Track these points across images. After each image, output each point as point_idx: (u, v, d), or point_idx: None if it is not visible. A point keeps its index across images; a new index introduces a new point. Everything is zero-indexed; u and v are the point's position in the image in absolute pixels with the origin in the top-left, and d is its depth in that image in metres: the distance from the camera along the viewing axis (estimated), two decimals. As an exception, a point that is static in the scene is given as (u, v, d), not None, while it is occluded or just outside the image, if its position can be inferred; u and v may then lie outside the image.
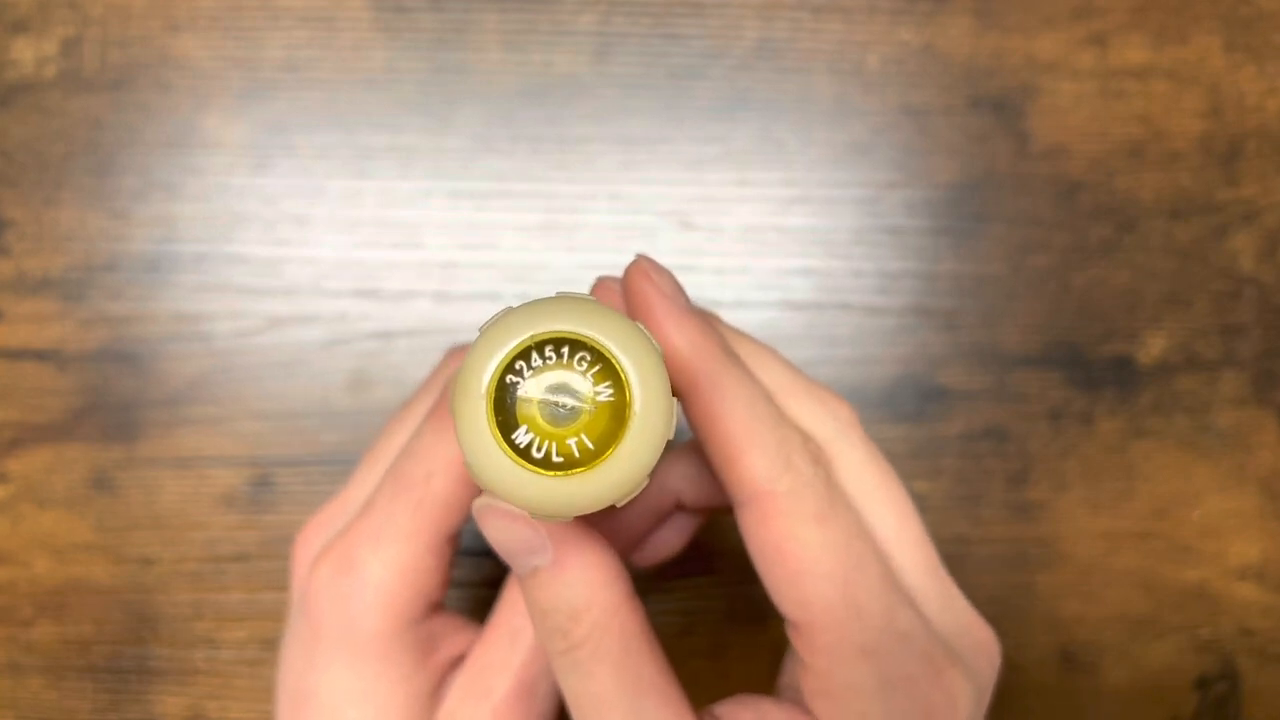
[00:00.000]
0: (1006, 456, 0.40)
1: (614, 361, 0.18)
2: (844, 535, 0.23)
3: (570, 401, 0.18)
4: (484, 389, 0.18)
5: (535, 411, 0.18)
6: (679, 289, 0.25)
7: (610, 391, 0.18)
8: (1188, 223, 0.40)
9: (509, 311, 0.19)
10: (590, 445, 0.18)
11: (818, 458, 0.23)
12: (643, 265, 0.24)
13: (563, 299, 0.19)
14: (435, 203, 0.39)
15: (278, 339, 0.39)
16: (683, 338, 0.23)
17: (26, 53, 0.39)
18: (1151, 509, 0.40)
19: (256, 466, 0.38)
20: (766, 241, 0.40)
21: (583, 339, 0.18)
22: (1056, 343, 0.40)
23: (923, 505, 0.39)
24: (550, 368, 0.18)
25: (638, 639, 0.23)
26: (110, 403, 0.38)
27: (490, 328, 0.19)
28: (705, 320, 0.24)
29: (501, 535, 0.22)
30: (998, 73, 0.40)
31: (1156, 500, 0.40)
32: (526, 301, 0.19)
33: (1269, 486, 0.40)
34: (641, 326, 0.19)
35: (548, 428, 0.18)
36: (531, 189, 0.39)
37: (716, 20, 0.40)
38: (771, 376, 0.25)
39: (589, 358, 0.18)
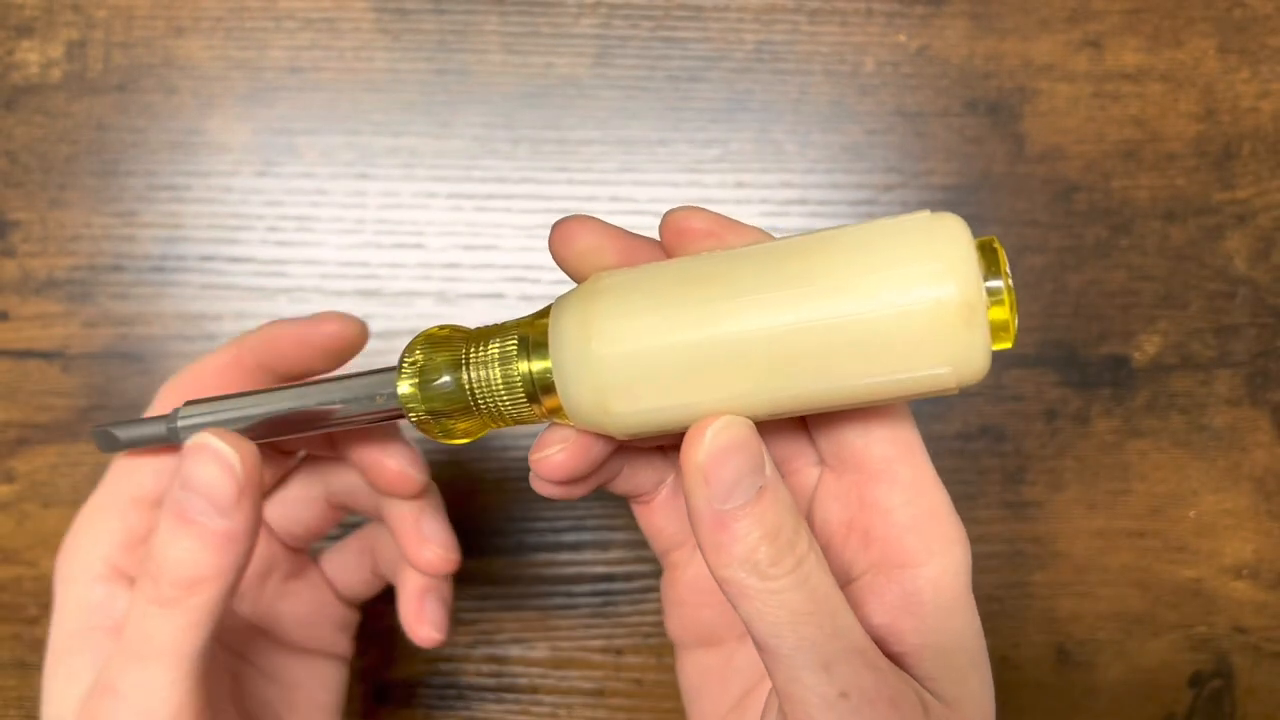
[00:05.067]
0: (1003, 456, 0.40)
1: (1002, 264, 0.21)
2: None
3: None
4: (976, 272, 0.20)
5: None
6: None
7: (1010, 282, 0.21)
8: (1183, 224, 0.41)
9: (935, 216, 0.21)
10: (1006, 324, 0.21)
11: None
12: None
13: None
14: (437, 204, 0.40)
15: (281, 339, 0.39)
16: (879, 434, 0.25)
17: (32, 55, 0.39)
18: (1147, 508, 0.40)
19: (260, 465, 0.39)
20: (765, 243, 0.40)
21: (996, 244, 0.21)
22: (1052, 343, 0.40)
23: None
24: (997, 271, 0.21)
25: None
26: (115, 403, 0.39)
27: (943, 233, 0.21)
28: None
29: (742, 450, 0.22)
30: (994, 75, 0.40)
31: (1152, 499, 0.40)
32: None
33: (1263, 485, 0.40)
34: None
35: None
36: (532, 190, 0.40)
37: (715, 24, 0.40)
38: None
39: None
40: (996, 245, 0.21)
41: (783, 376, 0.21)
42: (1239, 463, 0.40)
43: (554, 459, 0.24)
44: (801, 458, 0.27)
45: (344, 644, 0.34)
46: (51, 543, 0.38)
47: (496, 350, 0.23)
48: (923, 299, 0.20)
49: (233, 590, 0.24)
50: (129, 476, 0.27)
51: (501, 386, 0.23)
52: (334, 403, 0.25)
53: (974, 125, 0.40)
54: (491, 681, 0.39)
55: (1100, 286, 0.40)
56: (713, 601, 0.29)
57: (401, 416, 0.25)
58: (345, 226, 0.39)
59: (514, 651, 0.39)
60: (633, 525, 0.40)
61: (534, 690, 0.39)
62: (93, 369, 0.39)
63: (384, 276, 0.39)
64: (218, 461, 0.24)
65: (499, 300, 0.39)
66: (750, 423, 0.22)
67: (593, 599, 0.40)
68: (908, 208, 0.40)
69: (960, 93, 0.40)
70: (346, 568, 0.33)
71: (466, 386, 0.23)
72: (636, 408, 0.22)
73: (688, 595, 0.29)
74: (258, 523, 0.25)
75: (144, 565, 0.24)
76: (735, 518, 0.22)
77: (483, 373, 0.23)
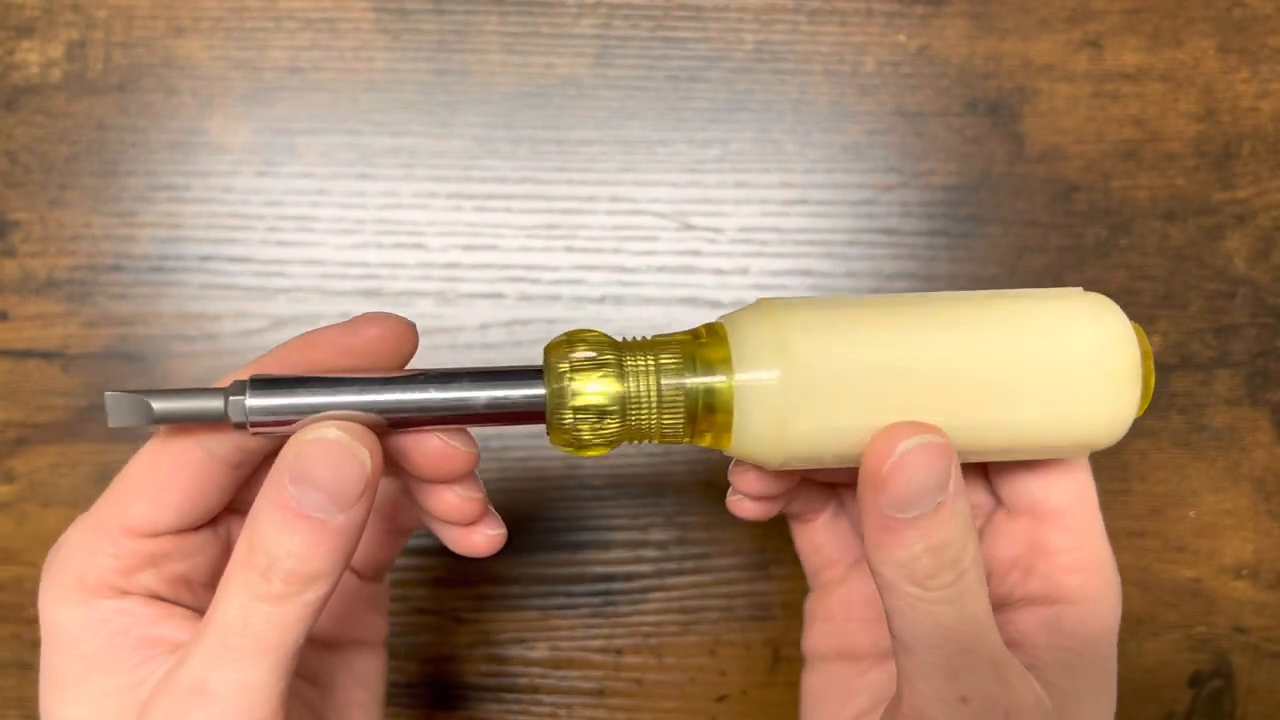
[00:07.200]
0: (1003, 456, 0.40)
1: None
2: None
3: None
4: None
5: None
6: None
7: None
8: (1183, 224, 0.41)
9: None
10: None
11: None
12: None
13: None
14: (437, 204, 0.40)
15: (282, 339, 0.39)
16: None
17: (32, 55, 0.39)
18: (1147, 508, 0.40)
19: (260, 465, 0.39)
20: (764, 243, 0.40)
21: None
22: (1052, 343, 0.40)
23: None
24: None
25: None
26: (115, 402, 0.39)
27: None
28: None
29: (929, 471, 0.22)
30: (994, 75, 0.40)
31: (1151, 499, 0.40)
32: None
33: (1263, 485, 0.40)
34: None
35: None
36: (532, 190, 0.40)
37: (715, 24, 0.40)
38: None
39: None
40: (1149, 351, 0.24)
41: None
42: (1239, 463, 0.40)
43: (748, 473, 0.26)
44: (974, 495, 0.28)
45: (376, 625, 0.31)
46: (52, 543, 0.38)
47: (656, 363, 0.23)
48: (1104, 424, 0.24)
49: (337, 586, 0.23)
50: (120, 505, 0.25)
51: (661, 400, 0.23)
52: (460, 400, 0.23)
53: (974, 125, 0.40)
54: (491, 681, 0.39)
55: (1100, 286, 0.40)
56: (865, 617, 0.30)
57: (534, 421, 0.23)
58: (345, 226, 0.39)
59: (514, 651, 0.39)
60: (632, 526, 0.40)
61: (534, 690, 0.39)
62: (93, 369, 0.39)
63: (384, 276, 0.39)
64: (347, 459, 0.22)
65: (499, 300, 0.39)
66: (945, 438, 0.23)
67: (593, 599, 0.40)
68: (908, 208, 0.40)
69: (960, 93, 0.40)
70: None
71: (626, 397, 0.23)
72: (810, 446, 0.23)
73: (839, 610, 0.30)
74: (368, 516, 0.23)
75: (246, 559, 0.23)
76: (905, 526, 0.22)
77: (641, 384, 0.23)
